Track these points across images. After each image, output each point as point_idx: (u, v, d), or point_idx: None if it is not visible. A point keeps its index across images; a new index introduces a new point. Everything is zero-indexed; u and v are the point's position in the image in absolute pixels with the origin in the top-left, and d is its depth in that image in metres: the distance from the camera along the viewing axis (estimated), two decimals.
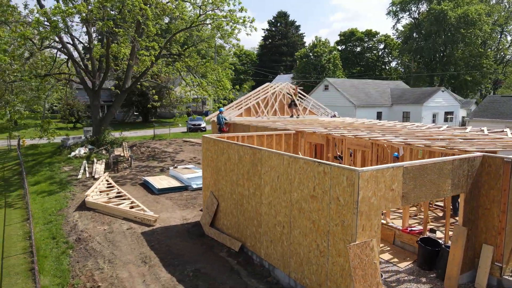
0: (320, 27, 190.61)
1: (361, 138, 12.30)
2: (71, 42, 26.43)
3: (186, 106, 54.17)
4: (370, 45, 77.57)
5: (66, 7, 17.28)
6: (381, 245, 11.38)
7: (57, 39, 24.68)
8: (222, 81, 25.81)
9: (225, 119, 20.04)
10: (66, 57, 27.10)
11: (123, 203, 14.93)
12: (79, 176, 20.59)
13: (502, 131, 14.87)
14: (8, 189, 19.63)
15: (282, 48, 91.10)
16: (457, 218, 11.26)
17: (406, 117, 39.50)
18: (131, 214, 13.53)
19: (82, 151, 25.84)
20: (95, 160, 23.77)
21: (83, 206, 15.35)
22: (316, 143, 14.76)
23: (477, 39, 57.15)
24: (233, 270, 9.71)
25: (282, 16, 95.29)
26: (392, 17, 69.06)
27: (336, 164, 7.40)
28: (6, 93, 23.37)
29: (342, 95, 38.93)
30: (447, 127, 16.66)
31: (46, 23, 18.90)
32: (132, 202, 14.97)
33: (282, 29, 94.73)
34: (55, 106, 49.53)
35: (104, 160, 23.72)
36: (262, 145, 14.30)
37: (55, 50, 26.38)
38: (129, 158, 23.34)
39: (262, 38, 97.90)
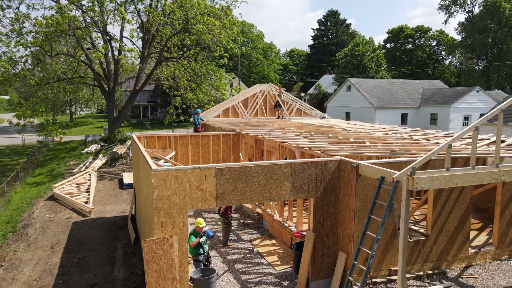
0: (399, 23, 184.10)
1: (273, 140, 12.30)
2: (92, 48, 29.05)
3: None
4: (422, 42, 72.88)
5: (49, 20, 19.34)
6: (278, 247, 11.37)
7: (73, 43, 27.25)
8: (218, 82, 26.57)
9: (202, 120, 20.82)
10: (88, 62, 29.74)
11: (81, 195, 16.41)
12: (75, 170, 22.72)
13: (449, 135, 13.75)
14: (14, 179, 22.35)
15: (330, 47, 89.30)
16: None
17: (434, 119, 36.78)
18: (76, 205, 14.91)
19: (94, 147, 28.30)
20: (100, 156, 25.95)
21: (52, 197, 17.12)
22: (251, 144, 14.89)
23: None
24: (113, 260, 10.47)
25: (332, 15, 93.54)
26: (444, 12, 64.25)
27: (153, 165, 7.81)
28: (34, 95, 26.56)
29: (363, 95, 37.44)
30: (411, 130, 15.78)
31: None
32: (88, 195, 16.38)
33: (332, 28, 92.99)
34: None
35: (107, 157, 25.79)
36: (197, 145, 14.86)
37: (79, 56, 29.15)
38: (126, 155, 25.11)
39: (312, 38, 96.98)
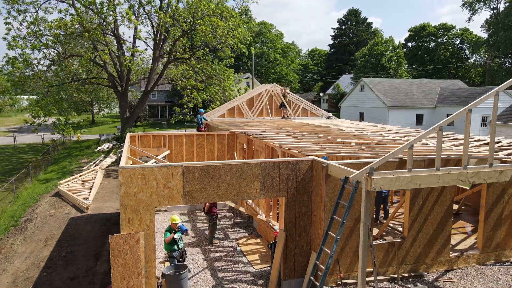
0: (426, 21, 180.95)
1: (261, 140, 12.37)
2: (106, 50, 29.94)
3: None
4: (445, 41, 70.87)
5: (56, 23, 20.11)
6: (261, 246, 11.44)
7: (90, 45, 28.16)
8: (225, 82, 26.82)
9: (205, 119, 21.11)
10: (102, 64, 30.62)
11: (84, 191, 16.97)
12: (84, 168, 23.47)
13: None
14: (26, 176, 23.30)
15: (350, 47, 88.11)
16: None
17: None
18: (76, 201, 15.44)
19: (106, 146, 29.13)
20: (111, 154, 26.69)
21: (58, 193, 17.77)
22: (244, 144, 15.00)
23: None
24: (98, 255, 10.82)
25: (352, 14, 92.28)
26: (468, 9, 62.23)
27: (123, 162, 8.05)
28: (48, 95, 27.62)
29: (376, 95, 36.79)
30: (411, 131, 15.50)
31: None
32: (90, 192, 16.92)
33: (352, 27, 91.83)
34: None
35: (117, 155, 26.50)
36: (192, 145, 15.10)
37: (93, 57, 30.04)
38: None
39: (332, 37, 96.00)
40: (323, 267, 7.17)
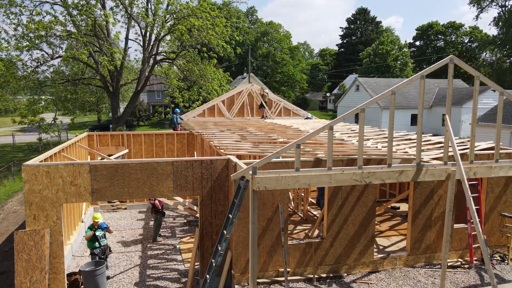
0: (449, 20, 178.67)
1: (206, 140, 12.45)
2: (99, 50, 30.52)
3: None
4: (453, 39, 69.38)
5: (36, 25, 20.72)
6: None
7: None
8: (210, 83, 27.00)
9: (182, 119, 21.31)
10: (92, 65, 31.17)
11: None
12: None
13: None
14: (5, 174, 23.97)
15: (358, 46, 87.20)
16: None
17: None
18: None
19: None
20: None
21: None
22: (200, 143, 15.09)
23: None
24: None
25: (361, 13, 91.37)
26: (476, 6, 60.78)
27: (33, 161, 8.26)
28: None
29: (370, 95, 36.32)
30: (369, 132, 15.29)
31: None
32: None
33: (361, 27, 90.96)
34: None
35: None
36: (151, 144, 15.29)
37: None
38: None
39: (340, 37, 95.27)
40: (214, 264, 7.21)
